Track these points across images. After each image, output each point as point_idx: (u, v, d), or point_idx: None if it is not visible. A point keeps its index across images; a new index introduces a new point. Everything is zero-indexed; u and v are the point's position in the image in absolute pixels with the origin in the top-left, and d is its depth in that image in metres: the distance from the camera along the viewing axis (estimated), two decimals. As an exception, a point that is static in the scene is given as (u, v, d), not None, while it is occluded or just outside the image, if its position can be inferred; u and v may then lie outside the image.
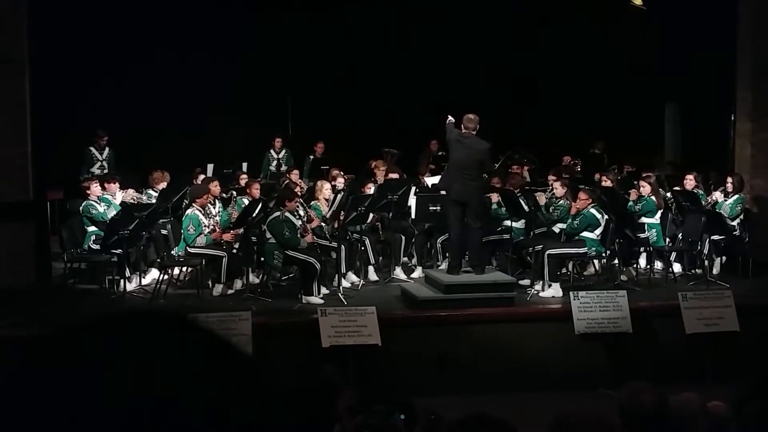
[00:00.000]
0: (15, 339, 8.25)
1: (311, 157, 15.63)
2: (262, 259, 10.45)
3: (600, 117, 16.41)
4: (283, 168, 15.15)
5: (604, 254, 10.80)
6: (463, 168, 9.88)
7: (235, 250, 10.53)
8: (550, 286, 10.31)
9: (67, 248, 10.71)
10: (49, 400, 0.88)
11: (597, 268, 11.28)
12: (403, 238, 11.48)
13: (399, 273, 11.28)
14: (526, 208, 11.20)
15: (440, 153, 14.96)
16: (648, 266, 11.71)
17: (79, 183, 11.71)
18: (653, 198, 11.45)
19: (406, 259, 11.76)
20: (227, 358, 0.97)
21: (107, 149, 13.97)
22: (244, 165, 14.46)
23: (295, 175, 13.35)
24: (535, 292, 10.39)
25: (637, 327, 9.45)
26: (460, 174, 9.89)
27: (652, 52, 16.14)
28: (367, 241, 11.22)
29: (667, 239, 11.67)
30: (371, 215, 11.42)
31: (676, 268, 11.53)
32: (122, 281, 10.36)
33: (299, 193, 11.46)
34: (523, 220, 11.47)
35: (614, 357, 9.44)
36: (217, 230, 10.56)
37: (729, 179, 11.69)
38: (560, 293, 10.07)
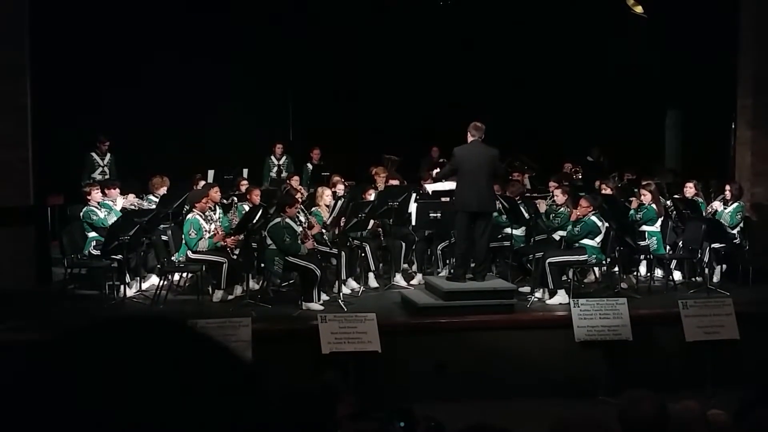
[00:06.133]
0: (14, 343, 8.25)
1: (309, 165, 15.68)
2: (263, 265, 10.44)
3: (601, 124, 16.44)
4: (284, 174, 15.17)
5: (604, 262, 10.80)
6: (478, 177, 9.83)
7: (235, 257, 10.53)
8: (556, 293, 10.31)
9: (68, 253, 10.70)
10: (48, 405, 0.88)
11: (597, 275, 11.28)
12: (404, 244, 11.48)
13: (399, 280, 11.27)
14: (526, 215, 11.20)
15: (441, 159, 14.99)
16: (648, 274, 11.70)
17: (80, 188, 11.72)
18: (654, 206, 11.44)
19: (406, 265, 11.75)
20: (226, 365, 0.97)
21: (108, 155, 13.99)
22: (245, 171, 14.47)
23: (295, 182, 13.37)
24: (537, 299, 10.38)
25: (637, 335, 9.44)
26: (475, 183, 9.85)
27: (653, 60, 16.16)
28: (368, 248, 11.22)
29: (668, 247, 11.67)
30: (372, 222, 11.42)
31: (677, 276, 11.52)
32: (122, 287, 10.36)
33: (300, 200, 11.47)
34: (523, 228, 11.47)
35: (614, 365, 9.42)
36: (220, 233, 10.54)
37: (727, 187, 11.70)
38: (567, 300, 10.04)
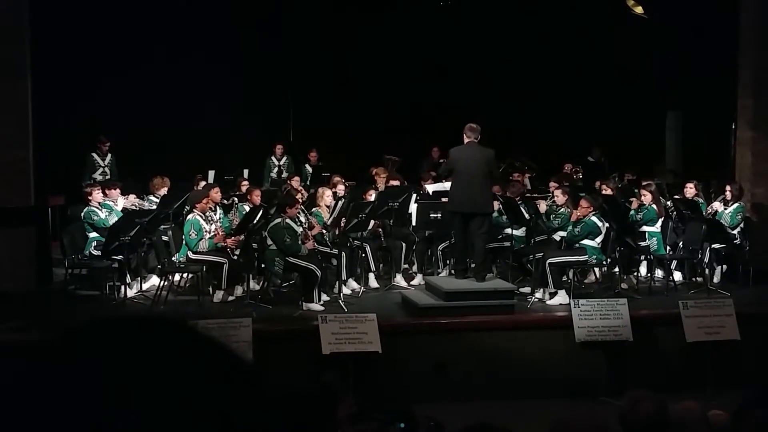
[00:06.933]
0: (14, 343, 8.25)
1: (307, 166, 15.70)
2: (263, 265, 10.45)
3: (601, 125, 16.44)
4: (284, 175, 15.18)
5: (604, 262, 10.79)
6: (472, 178, 9.85)
7: (235, 257, 10.53)
8: (556, 293, 10.31)
9: (68, 254, 10.71)
10: (48, 405, 0.88)
11: (597, 276, 11.27)
12: (404, 245, 11.48)
13: (399, 280, 11.27)
14: (526, 215, 11.20)
15: (441, 160, 14.99)
16: (649, 274, 11.70)
17: (81, 189, 11.73)
18: (654, 206, 11.44)
19: (406, 266, 11.75)
20: (227, 365, 0.97)
21: (109, 155, 13.99)
22: (246, 171, 14.48)
23: (296, 182, 13.37)
24: (537, 299, 10.38)
25: (637, 335, 9.43)
26: (468, 185, 9.86)
27: (654, 60, 16.15)
28: (368, 248, 11.22)
29: (668, 247, 11.67)
30: (372, 222, 11.41)
31: (677, 276, 11.52)
32: (123, 287, 10.36)
33: (300, 200, 11.47)
34: (523, 228, 11.47)
35: (615, 365, 9.42)
36: (220, 233, 10.54)
37: (728, 188, 11.70)
38: (567, 300, 10.04)
